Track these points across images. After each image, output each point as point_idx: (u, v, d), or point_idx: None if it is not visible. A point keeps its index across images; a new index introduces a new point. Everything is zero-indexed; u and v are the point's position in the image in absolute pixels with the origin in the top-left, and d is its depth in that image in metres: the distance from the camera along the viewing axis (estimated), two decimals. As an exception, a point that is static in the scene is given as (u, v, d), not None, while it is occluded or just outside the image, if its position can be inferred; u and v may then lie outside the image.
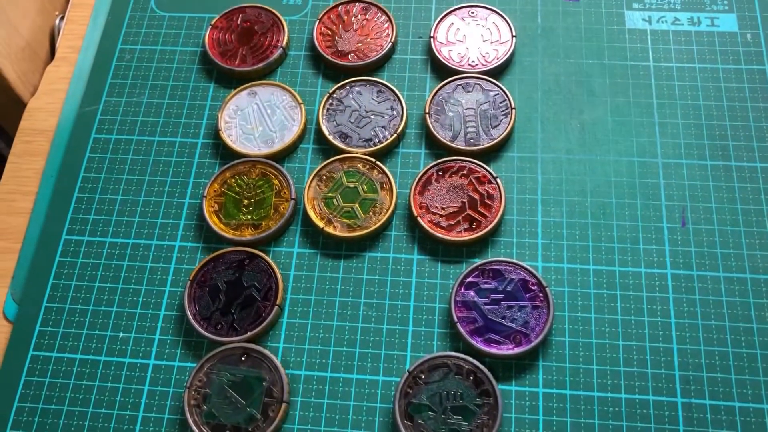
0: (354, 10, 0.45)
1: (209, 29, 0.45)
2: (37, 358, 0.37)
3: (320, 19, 0.45)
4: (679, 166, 0.40)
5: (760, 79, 0.42)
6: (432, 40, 0.44)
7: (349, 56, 0.44)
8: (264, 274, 0.38)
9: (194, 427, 0.35)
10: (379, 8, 0.45)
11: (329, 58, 0.44)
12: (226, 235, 0.39)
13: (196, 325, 0.37)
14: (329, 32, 0.45)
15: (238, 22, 0.45)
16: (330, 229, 0.39)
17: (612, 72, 0.43)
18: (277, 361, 0.36)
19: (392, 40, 0.44)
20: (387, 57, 0.44)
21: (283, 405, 0.35)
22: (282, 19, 0.45)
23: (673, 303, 0.37)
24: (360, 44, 0.44)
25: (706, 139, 0.41)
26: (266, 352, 0.36)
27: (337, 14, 0.45)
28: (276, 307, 0.37)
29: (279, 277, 0.38)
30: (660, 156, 0.41)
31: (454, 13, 0.45)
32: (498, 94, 0.42)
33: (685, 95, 0.42)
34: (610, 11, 0.45)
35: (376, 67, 0.44)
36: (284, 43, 0.44)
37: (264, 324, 0.37)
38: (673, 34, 0.44)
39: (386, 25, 0.45)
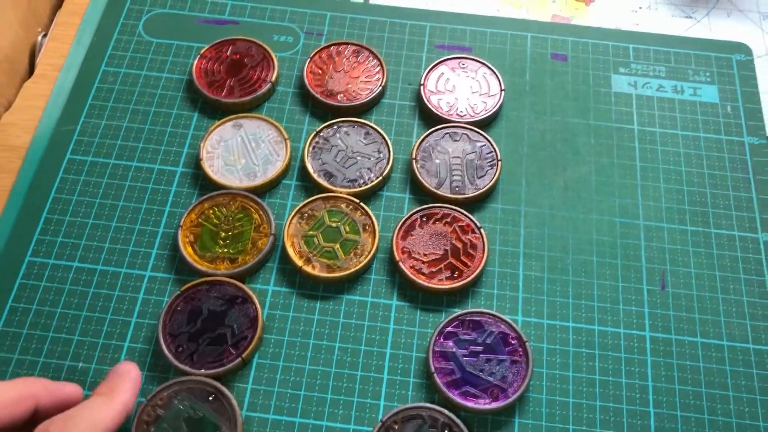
0: (346, 52, 0.45)
1: (198, 58, 0.44)
2: (-13, 385, 0.35)
3: (311, 58, 0.45)
4: (660, 229, 0.40)
5: (739, 151, 0.43)
6: (422, 87, 0.44)
7: (338, 96, 0.43)
8: (247, 321, 0.36)
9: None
10: (371, 52, 0.45)
11: (318, 96, 0.43)
12: (200, 267, 0.37)
13: (162, 339, 0.35)
14: (320, 71, 0.44)
15: (228, 54, 0.45)
16: (309, 269, 0.38)
17: (597, 132, 0.44)
18: (240, 419, 0.34)
19: (382, 84, 0.44)
20: (376, 100, 0.44)
21: None
22: (272, 54, 0.45)
23: (651, 366, 0.37)
24: (350, 86, 0.44)
25: (687, 204, 0.41)
26: (234, 403, 0.34)
27: (328, 54, 0.45)
28: (240, 359, 0.35)
29: (259, 331, 0.36)
30: (642, 218, 0.41)
31: (445, 63, 0.45)
32: (485, 145, 0.42)
33: (667, 160, 0.43)
34: (597, 73, 0.46)
35: (365, 109, 0.44)
36: (273, 78, 0.44)
37: (220, 370, 0.35)
38: (657, 100, 0.45)
39: (377, 69, 0.45)
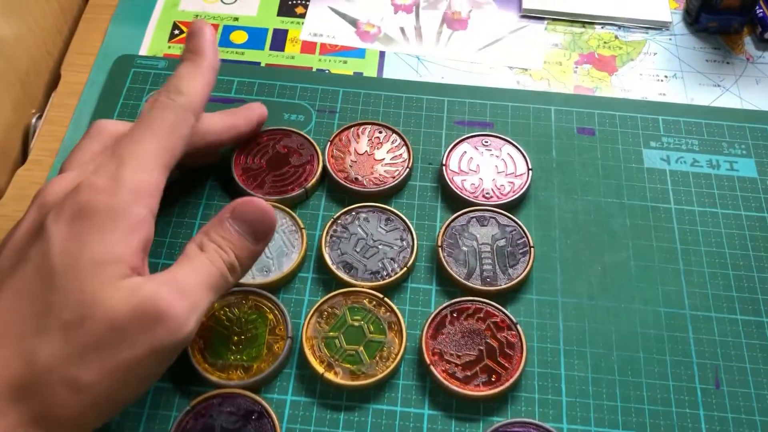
0: (366, 133, 0.42)
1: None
2: None
3: (331, 141, 0.42)
4: (709, 319, 0.37)
5: (784, 229, 0.40)
6: (443, 167, 0.41)
7: (365, 181, 0.40)
8: None
9: None
10: (395, 132, 0.42)
11: (341, 181, 0.40)
12: (212, 378, 0.34)
13: None
14: (340, 155, 0.42)
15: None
16: (330, 376, 0.34)
17: (632, 212, 0.41)
18: None
19: (409, 165, 0.41)
20: (403, 183, 0.41)
21: None
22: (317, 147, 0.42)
23: (713, 477, 0.33)
24: (375, 168, 0.41)
25: (734, 291, 0.38)
26: None
27: (347, 137, 0.42)
28: None
29: None
30: (688, 307, 0.38)
31: (466, 140, 0.43)
32: (515, 230, 0.39)
33: (709, 242, 0.40)
34: (627, 148, 0.43)
35: (392, 193, 0.41)
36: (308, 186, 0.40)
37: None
38: (693, 176, 0.42)
39: (401, 151, 0.42)
